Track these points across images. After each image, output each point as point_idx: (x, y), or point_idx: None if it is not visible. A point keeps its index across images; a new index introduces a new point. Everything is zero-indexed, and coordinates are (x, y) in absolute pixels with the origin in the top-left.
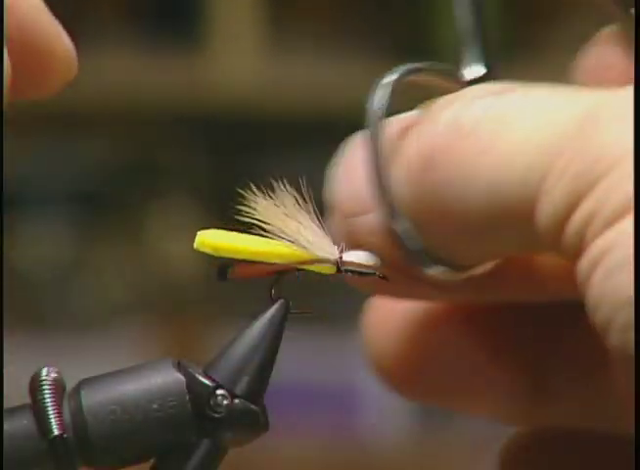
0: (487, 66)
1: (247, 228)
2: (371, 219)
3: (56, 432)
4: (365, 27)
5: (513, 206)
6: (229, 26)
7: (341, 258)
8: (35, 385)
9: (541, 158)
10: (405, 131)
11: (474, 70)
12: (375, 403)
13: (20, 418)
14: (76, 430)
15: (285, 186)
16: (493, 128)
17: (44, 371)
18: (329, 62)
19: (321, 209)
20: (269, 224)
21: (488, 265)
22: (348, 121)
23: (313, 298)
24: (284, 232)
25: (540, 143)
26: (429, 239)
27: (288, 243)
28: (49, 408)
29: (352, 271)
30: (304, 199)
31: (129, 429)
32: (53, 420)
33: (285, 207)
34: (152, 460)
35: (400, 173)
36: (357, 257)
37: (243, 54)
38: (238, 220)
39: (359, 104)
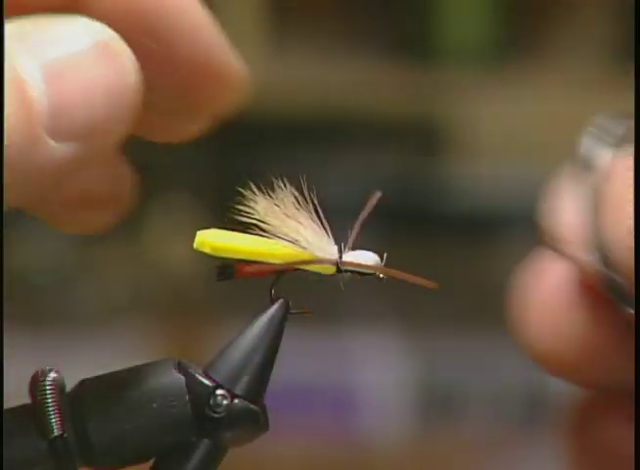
0: None
1: (247, 228)
2: (582, 256)
3: (56, 432)
4: (367, 27)
5: None
6: (229, 26)
7: (340, 258)
8: (35, 385)
9: None
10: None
11: None
12: (375, 403)
13: (20, 418)
14: (76, 430)
15: (285, 186)
16: None
17: (44, 371)
18: (330, 61)
19: (321, 209)
20: (269, 224)
21: None
22: (349, 121)
23: (313, 298)
24: (284, 232)
25: None
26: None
27: (288, 243)
28: (49, 408)
29: (352, 271)
30: (304, 199)
31: (129, 429)
32: (53, 420)
33: (285, 207)
34: (152, 460)
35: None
36: (357, 257)
37: (243, 53)
38: (238, 220)
39: (360, 104)
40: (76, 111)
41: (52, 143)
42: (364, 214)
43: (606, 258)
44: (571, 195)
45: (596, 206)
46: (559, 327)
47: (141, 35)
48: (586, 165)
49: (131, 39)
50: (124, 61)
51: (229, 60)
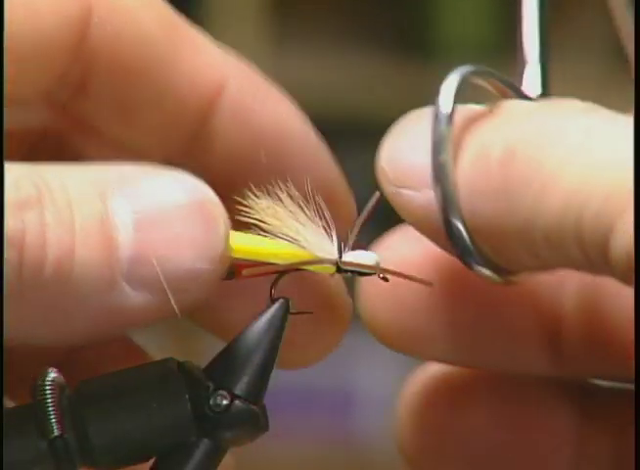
0: (544, 86)
1: (247, 228)
2: (422, 198)
3: (56, 432)
4: (367, 27)
5: (588, 222)
6: (230, 25)
7: (340, 258)
8: (35, 385)
9: (626, 177)
10: (476, 123)
11: (531, 84)
12: (374, 404)
13: (20, 418)
14: (76, 430)
15: (285, 185)
16: (581, 141)
17: (45, 371)
18: (331, 61)
19: (321, 208)
20: (269, 224)
21: (534, 275)
22: (350, 120)
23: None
24: (284, 232)
25: (627, 164)
26: (484, 237)
27: (288, 243)
28: (49, 408)
29: (352, 271)
30: (305, 199)
31: (129, 429)
32: (53, 420)
33: (285, 206)
34: (152, 460)
35: (474, 163)
36: (357, 257)
37: (243, 53)
38: (238, 220)
39: (360, 103)
40: (158, 263)
41: (127, 289)
42: (364, 215)
43: (447, 200)
44: (415, 138)
45: (439, 149)
46: (400, 299)
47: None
48: (436, 113)
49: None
50: (217, 225)
51: (343, 191)
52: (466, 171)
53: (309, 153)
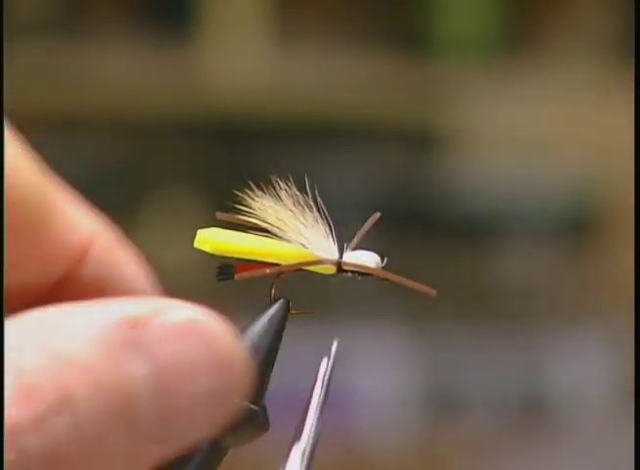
0: None
1: (247, 227)
2: None
3: None
4: (367, 27)
5: None
6: (230, 25)
7: (341, 258)
8: None
9: None
10: None
11: None
12: (375, 403)
13: None
14: None
15: (286, 185)
16: None
17: None
18: (331, 60)
19: (321, 208)
20: (269, 224)
21: None
22: (350, 121)
23: (313, 298)
24: (284, 232)
25: None
26: None
27: (288, 243)
28: None
29: (352, 272)
30: (305, 198)
31: None
32: None
33: (285, 206)
34: None
35: None
36: (358, 257)
37: (244, 53)
38: (238, 220)
39: (362, 103)
40: (178, 420)
41: (145, 445)
42: (362, 233)
43: None
44: None
45: None
46: None
47: None
48: None
49: None
50: (237, 377)
51: None
52: None
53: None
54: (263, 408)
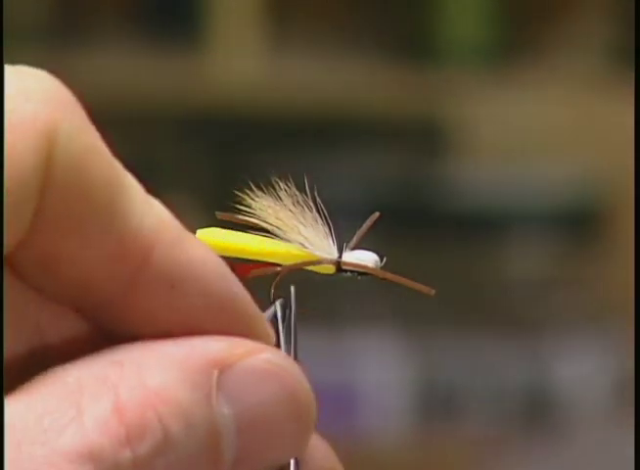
0: None
1: (246, 227)
2: None
3: None
4: (367, 27)
5: None
6: (230, 25)
7: (340, 257)
8: None
9: None
10: None
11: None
12: (375, 404)
13: None
14: None
15: (285, 185)
16: None
17: None
18: (331, 61)
19: (321, 208)
20: (269, 223)
21: None
22: (350, 121)
23: (313, 298)
24: (284, 232)
25: None
26: None
27: (288, 243)
28: None
29: (352, 271)
30: (305, 198)
31: None
32: None
33: (285, 206)
34: None
35: None
36: (357, 257)
37: (243, 53)
38: (238, 219)
39: (360, 104)
40: (254, 465)
41: None
42: (361, 233)
43: None
44: None
45: None
46: None
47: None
48: None
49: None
50: (310, 416)
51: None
52: None
53: (223, 290)
54: None
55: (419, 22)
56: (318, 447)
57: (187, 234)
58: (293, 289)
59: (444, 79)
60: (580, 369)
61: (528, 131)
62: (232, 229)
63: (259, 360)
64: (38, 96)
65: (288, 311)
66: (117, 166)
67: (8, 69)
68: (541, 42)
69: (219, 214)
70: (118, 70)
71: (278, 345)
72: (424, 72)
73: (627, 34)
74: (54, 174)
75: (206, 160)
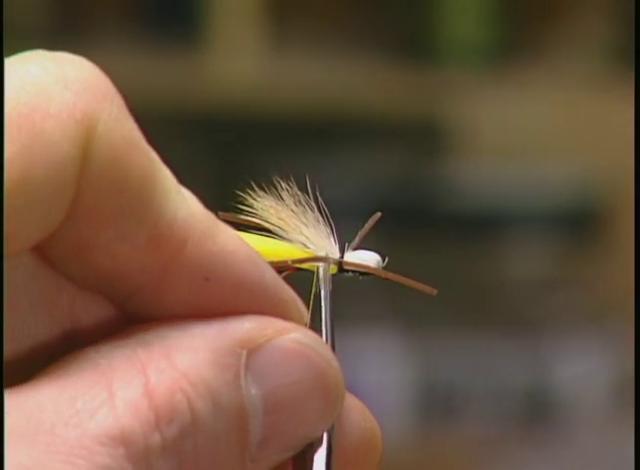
0: None
1: (248, 227)
2: None
3: None
4: (368, 27)
5: None
6: (230, 26)
7: (342, 257)
8: None
9: None
10: None
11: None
12: (375, 403)
13: None
14: None
15: (286, 185)
16: None
17: None
18: (331, 61)
19: (322, 208)
20: (271, 223)
21: None
22: (350, 121)
23: (313, 298)
24: (285, 232)
25: None
26: None
27: (289, 242)
28: None
29: (353, 271)
30: (306, 198)
31: None
32: None
33: (286, 206)
34: None
35: None
36: (359, 257)
37: (243, 53)
38: (240, 219)
39: (360, 103)
40: (281, 445)
41: (250, 466)
42: (363, 233)
43: None
44: None
45: None
46: None
47: None
48: None
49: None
50: (338, 395)
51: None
52: None
53: (255, 279)
54: None
55: (419, 22)
56: (353, 408)
57: (219, 225)
58: (322, 268)
59: (444, 79)
60: (580, 369)
61: (528, 131)
62: (234, 229)
63: (288, 340)
64: (77, 85)
65: (324, 292)
66: (154, 158)
67: (47, 54)
68: (541, 42)
69: (221, 214)
70: (118, 69)
71: (318, 322)
72: (424, 73)
73: (627, 34)
74: (91, 165)
75: (207, 160)
